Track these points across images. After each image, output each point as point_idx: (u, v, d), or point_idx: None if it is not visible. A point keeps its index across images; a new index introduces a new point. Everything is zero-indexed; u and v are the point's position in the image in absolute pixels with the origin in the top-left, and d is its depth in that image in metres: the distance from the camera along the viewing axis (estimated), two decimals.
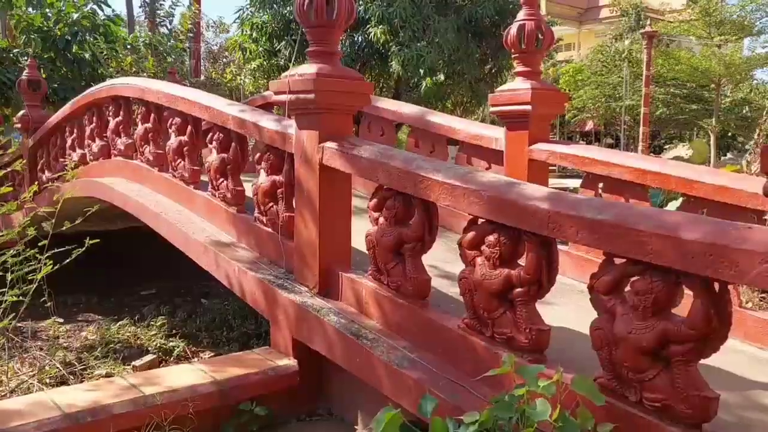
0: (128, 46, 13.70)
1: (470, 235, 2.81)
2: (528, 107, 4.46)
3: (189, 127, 4.90)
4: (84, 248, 4.69)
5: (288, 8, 14.08)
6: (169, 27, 14.91)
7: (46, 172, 7.93)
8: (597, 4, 43.36)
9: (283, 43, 14.26)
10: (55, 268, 4.56)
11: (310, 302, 3.50)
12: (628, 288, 2.25)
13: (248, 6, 15.11)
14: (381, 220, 3.28)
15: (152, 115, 5.43)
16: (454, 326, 2.90)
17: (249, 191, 4.48)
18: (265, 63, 14.80)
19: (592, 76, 27.92)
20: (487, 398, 2.48)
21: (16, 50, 11.79)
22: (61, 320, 6.67)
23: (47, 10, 12.06)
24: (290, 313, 3.55)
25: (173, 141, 5.06)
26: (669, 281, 2.11)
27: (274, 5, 13.96)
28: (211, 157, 4.61)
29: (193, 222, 4.72)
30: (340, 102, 3.57)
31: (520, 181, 2.89)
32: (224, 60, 28.50)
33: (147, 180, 5.56)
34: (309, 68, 3.52)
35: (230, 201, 4.48)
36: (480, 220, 2.78)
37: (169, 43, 13.63)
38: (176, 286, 8.85)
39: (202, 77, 19.53)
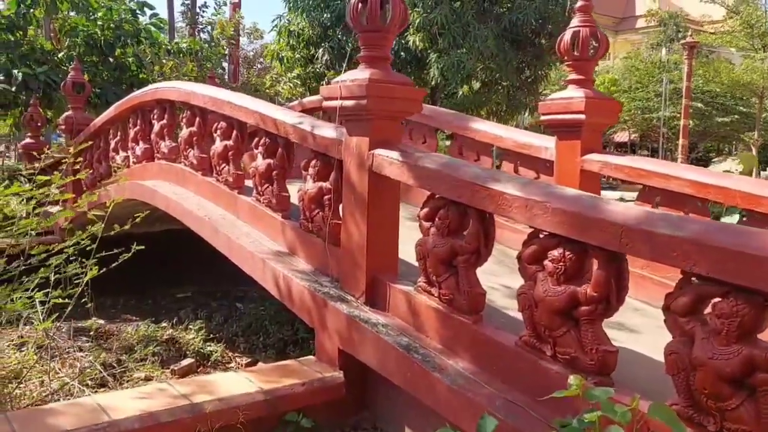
0: (169, 52, 13.88)
1: (531, 248, 2.70)
2: (582, 116, 4.34)
3: (234, 132, 4.88)
4: (130, 253, 4.70)
5: (326, 14, 14.13)
6: (210, 33, 15.06)
7: (89, 175, 8.00)
8: (633, 14, 42.82)
9: (321, 50, 14.29)
10: (101, 272, 4.58)
11: (358, 313, 3.42)
12: (708, 310, 2.12)
13: (285, 14, 15.20)
14: (433, 230, 3.19)
15: (197, 118, 5.43)
16: (511, 343, 2.79)
17: (293, 197, 4.44)
18: (302, 71, 14.85)
19: (628, 89, 27.47)
20: (548, 420, 2.37)
21: (61, 53, 12.00)
22: (102, 321, 6.69)
23: (91, 13, 12.27)
24: (337, 324, 3.48)
25: (218, 145, 5.05)
26: (755, 304, 1.98)
27: (312, 12, 14.00)
28: (257, 162, 4.57)
29: (237, 227, 4.69)
30: (392, 108, 3.50)
31: (587, 193, 2.77)
32: (259, 65, 28.79)
33: (190, 184, 5.56)
34: (361, 74, 3.45)
35: (275, 207, 4.43)
36: (542, 233, 2.67)
37: (210, 49, 13.74)
38: (212, 289, 8.87)
39: (239, 83, 19.72)
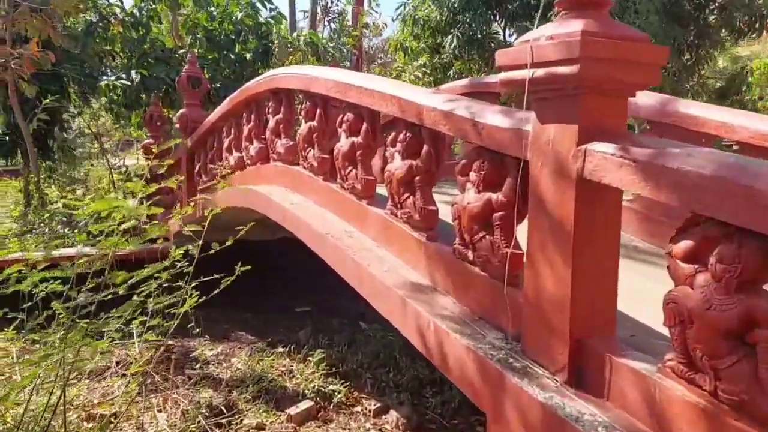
0: (290, 46, 13.25)
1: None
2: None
3: (364, 125, 3.79)
4: (234, 276, 3.77)
5: None
6: (338, 24, 14.31)
7: (203, 175, 7.33)
8: None
9: (449, 37, 13.09)
10: (201, 300, 3.67)
11: (558, 401, 2.18)
12: None
13: (409, 1, 14.16)
14: (701, 278, 1.88)
15: (318, 110, 4.41)
16: None
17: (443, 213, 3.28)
18: (428, 61, 13.74)
19: None
20: None
21: (182, 50, 11.64)
22: (209, 353, 5.88)
23: (212, 9, 11.83)
24: (524, 414, 2.25)
25: (343, 143, 3.98)
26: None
27: None
28: (393, 164, 3.44)
29: (367, 248, 3.59)
30: (619, 78, 2.21)
31: None
32: (379, 60, 28.11)
33: (309, 190, 4.56)
34: (565, 26, 2.20)
35: (418, 224, 3.29)
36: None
37: (339, 41, 12.97)
38: (333, 304, 7.96)
39: None
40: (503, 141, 2.62)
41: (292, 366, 5.45)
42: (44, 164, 11.53)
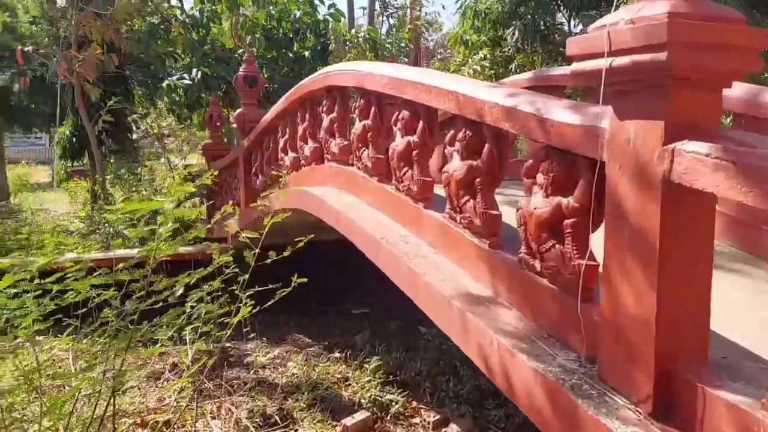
0: (348, 43, 13.13)
1: None
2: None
3: (420, 123, 3.56)
4: (290, 288, 3.63)
5: None
6: (397, 19, 14.10)
7: (259, 176, 7.26)
8: None
9: (511, 30, 12.66)
10: (255, 311, 3.53)
11: None
12: None
13: None
14: None
15: (372, 108, 4.21)
16: None
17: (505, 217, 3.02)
18: (488, 54, 13.35)
19: None
20: None
21: (241, 50, 11.68)
22: (263, 359, 5.77)
23: (271, 8, 11.83)
24: None
25: (399, 142, 3.77)
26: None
27: None
28: (452, 164, 3.20)
29: (423, 255, 3.36)
30: (711, 65, 1.90)
31: None
32: (439, 56, 27.77)
33: (363, 192, 4.37)
34: (650, 7, 1.91)
35: (478, 230, 3.04)
36: None
37: (396, 36, 12.77)
38: (390, 304, 7.75)
39: None
40: (574, 140, 2.34)
41: (348, 373, 5.29)
42: (110, 165, 11.81)
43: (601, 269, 2.25)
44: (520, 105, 2.64)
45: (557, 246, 2.49)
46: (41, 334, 4.12)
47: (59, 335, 3.81)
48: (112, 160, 12.09)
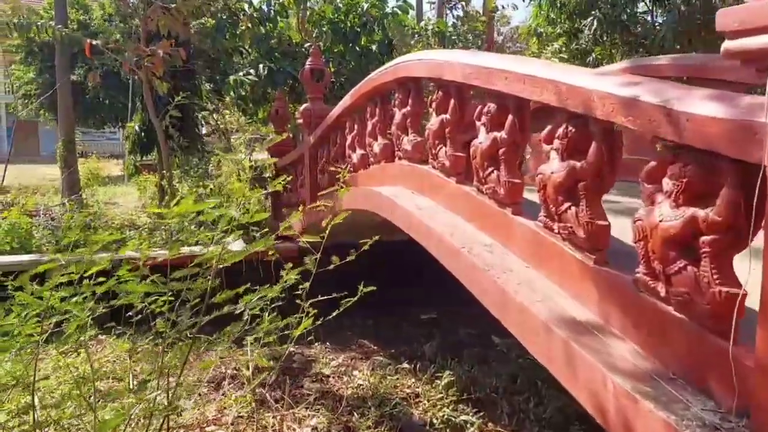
0: (416, 35, 12.73)
1: None
2: None
3: (509, 117, 3.13)
4: (355, 298, 3.30)
5: None
6: (464, 9, 13.60)
7: (325, 173, 6.96)
8: None
9: (589, 20, 11.95)
10: (319, 322, 3.20)
11: None
12: None
13: None
14: None
15: (452, 101, 3.80)
16: None
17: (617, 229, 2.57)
18: (564, 46, 12.68)
19: None
20: None
21: (308, 44, 11.46)
22: (328, 372, 5.45)
23: (338, 0, 11.56)
24: None
25: (483, 139, 3.35)
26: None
27: None
28: (550, 165, 2.76)
29: (510, 268, 2.93)
30: None
31: None
32: (508, 51, 27.03)
33: (439, 194, 3.97)
34: None
35: (582, 243, 2.59)
36: None
37: (463, 28, 12.30)
38: (460, 311, 7.32)
39: None
40: (717, 137, 1.87)
41: (417, 388, 4.91)
42: (177, 160, 11.82)
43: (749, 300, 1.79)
44: (642, 95, 2.17)
45: (689, 268, 2.02)
46: (93, 339, 3.93)
47: (112, 336, 3.58)
48: (179, 155, 12.11)
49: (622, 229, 2.64)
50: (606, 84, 2.38)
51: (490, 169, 3.30)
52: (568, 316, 2.50)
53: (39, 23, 9.44)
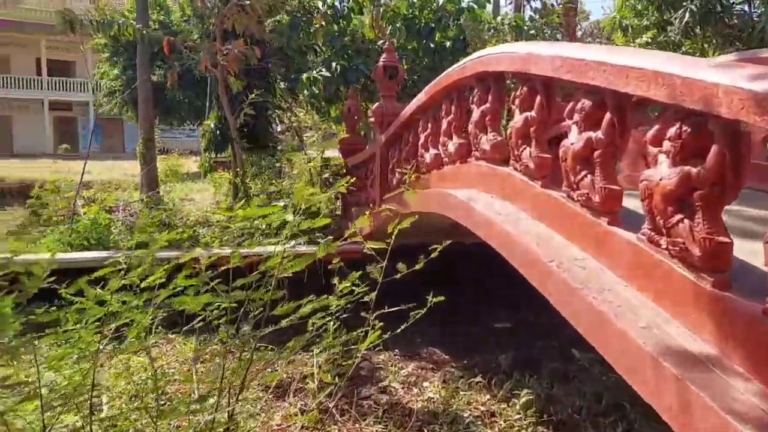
0: (491, 30, 12.30)
1: None
2: None
3: (608, 116, 2.77)
4: (425, 310, 3.05)
5: None
6: (543, 1, 13.03)
7: (396, 173, 6.72)
8: None
9: (680, 12, 11.19)
10: (383, 338, 2.96)
11: None
12: None
13: None
14: None
15: (538, 97, 3.46)
16: None
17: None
18: (651, 40, 11.94)
19: None
20: None
21: (381, 41, 11.26)
22: (395, 385, 5.20)
23: None
24: None
25: (575, 140, 3.00)
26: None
27: None
28: (658, 170, 2.39)
29: (609, 288, 2.58)
30: None
31: None
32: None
33: (522, 198, 3.64)
34: None
35: (695, 262, 2.21)
36: None
37: (541, 21, 11.78)
38: (537, 321, 6.93)
39: None
40: None
41: (493, 405, 4.58)
42: (250, 158, 11.89)
43: None
44: None
45: None
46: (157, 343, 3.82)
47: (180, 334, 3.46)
48: (252, 153, 12.18)
49: (745, 246, 2.25)
50: (733, 77, 2.01)
51: (582, 173, 2.95)
52: (679, 347, 2.13)
53: (120, 22, 9.64)
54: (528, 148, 3.58)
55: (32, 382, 2.34)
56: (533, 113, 3.51)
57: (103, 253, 7.14)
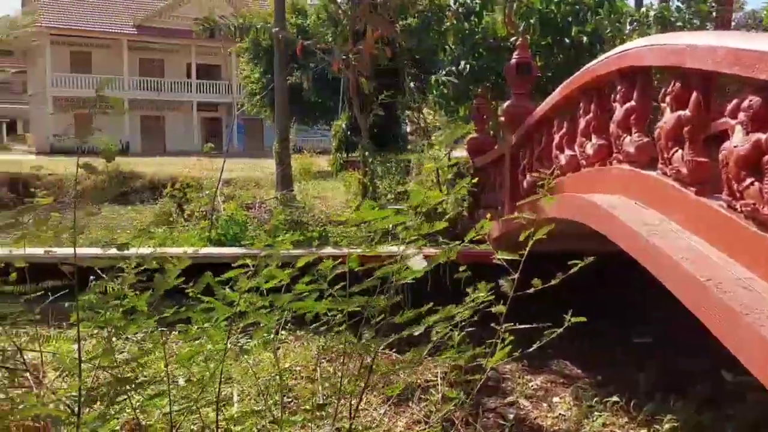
0: (634, 23, 11.50)
1: None
2: None
3: None
4: (563, 327, 2.84)
5: None
6: None
7: (527, 175, 6.42)
8: None
9: None
10: (513, 355, 2.77)
11: None
12: None
13: None
14: None
15: (693, 94, 3.09)
16: None
17: None
18: None
19: None
20: None
21: (513, 38, 10.89)
22: (524, 402, 4.95)
23: None
24: None
25: (739, 141, 2.62)
26: None
27: None
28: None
29: None
30: None
31: None
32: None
33: (672, 207, 3.28)
34: None
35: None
36: None
37: (689, 12, 10.84)
38: (682, 337, 6.33)
39: None
40: None
41: (631, 430, 4.21)
42: (379, 157, 12.00)
43: None
44: None
45: None
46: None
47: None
48: (381, 153, 12.30)
49: None
50: None
51: (748, 181, 2.57)
52: None
53: (258, 26, 10.06)
54: (680, 151, 3.21)
55: (162, 378, 2.40)
56: (687, 112, 3.13)
57: (238, 250, 7.45)
